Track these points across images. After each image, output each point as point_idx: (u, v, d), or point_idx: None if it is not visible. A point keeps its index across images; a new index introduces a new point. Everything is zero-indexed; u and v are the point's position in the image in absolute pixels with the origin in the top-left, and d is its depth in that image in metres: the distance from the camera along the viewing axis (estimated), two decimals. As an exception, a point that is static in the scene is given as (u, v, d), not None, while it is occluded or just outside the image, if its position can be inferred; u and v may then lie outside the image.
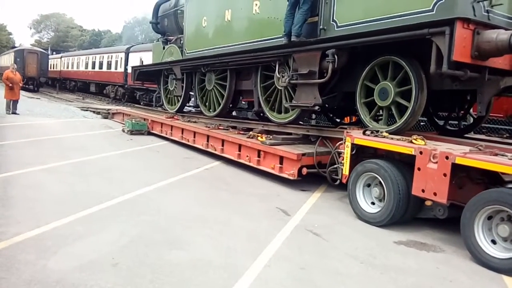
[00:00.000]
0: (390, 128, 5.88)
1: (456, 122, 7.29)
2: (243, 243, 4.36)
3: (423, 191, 4.62)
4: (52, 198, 5.43)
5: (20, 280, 3.26)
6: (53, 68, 41.80)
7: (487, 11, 4.88)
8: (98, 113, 17.87)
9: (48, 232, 4.25)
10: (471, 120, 7.38)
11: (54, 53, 47.99)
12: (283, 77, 7.44)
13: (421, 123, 9.31)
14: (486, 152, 4.43)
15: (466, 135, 6.80)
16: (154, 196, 5.94)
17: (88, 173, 6.96)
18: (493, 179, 4.48)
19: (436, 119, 7.59)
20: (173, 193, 6.21)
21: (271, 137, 7.62)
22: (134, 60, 24.73)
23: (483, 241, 4.12)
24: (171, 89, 12.00)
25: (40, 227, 4.34)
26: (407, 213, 5.08)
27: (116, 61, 28.48)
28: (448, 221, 4.81)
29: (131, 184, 6.37)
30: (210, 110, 10.23)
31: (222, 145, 8.61)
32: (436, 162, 4.49)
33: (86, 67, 34.20)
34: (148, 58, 17.20)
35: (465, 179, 4.58)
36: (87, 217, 4.81)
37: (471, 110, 7.26)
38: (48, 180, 6.32)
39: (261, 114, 9.19)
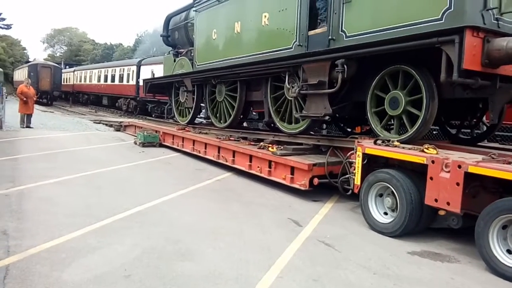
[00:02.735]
0: (401, 137, 5.84)
1: (469, 131, 7.22)
2: (255, 254, 4.35)
3: (436, 200, 4.58)
4: (66, 210, 5.48)
5: (35, 292, 3.29)
6: (66, 82, 42.50)
7: (497, 19, 4.86)
8: (111, 125, 18.08)
9: (62, 245, 4.30)
10: (484, 128, 7.31)
11: (67, 67, 48.80)
12: (293, 87, 7.47)
13: (434, 132, 9.23)
14: (499, 160, 4.38)
15: (479, 144, 6.73)
16: (166, 207, 5.97)
17: (100, 186, 7.02)
18: (507, 187, 4.41)
19: (448, 128, 7.53)
20: (184, 204, 6.24)
21: (281, 147, 7.62)
22: (146, 73, 25.02)
23: (498, 251, 4.06)
24: (182, 101, 12.10)
25: (54, 240, 4.39)
26: (421, 223, 5.03)
27: (128, 74, 28.85)
28: (463, 231, 4.76)
29: (143, 196, 6.41)
30: (221, 122, 10.29)
31: (233, 156, 8.63)
32: (449, 171, 4.45)
33: (99, 80, 34.69)
34: (159, 71, 17.41)
35: (479, 188, 4.53)
36: (100, 229, 4.85)
37: (483, 118, 7.19)
38: (62, 193, 6.39)
39: (272, 125, 9.21)
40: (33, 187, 6.64)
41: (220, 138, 9.38)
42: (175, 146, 11.50)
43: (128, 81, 28.79)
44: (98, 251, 4.20)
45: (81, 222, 4.96)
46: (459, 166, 4.35)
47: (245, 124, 12.69)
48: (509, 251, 4.06)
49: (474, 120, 7.10)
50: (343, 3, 6.26)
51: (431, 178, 4.63)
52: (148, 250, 4.28)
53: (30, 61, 44.49)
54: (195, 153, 10.25)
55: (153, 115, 23.42)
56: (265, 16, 8.01)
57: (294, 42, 7.28)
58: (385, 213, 5.34)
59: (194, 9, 10.91)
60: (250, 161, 8.04)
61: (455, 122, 7.47)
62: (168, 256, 4.16)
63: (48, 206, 5.65)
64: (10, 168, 7.97)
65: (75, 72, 42.22)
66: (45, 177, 7.27)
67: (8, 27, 63.49)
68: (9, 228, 4.66)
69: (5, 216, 5.07)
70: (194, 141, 10.39)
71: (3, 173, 7.44)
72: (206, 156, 9.72)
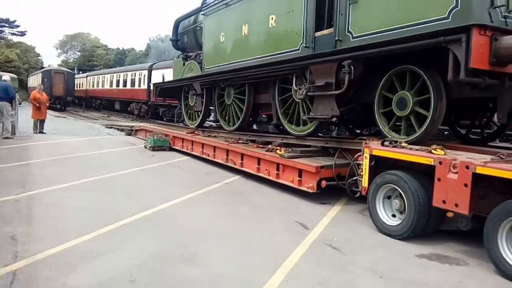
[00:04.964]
0: (409, 138, 5.77)
1: (479, 131, 7.11)
2: (260, 258, 4.33)
3: (444, 202, 4.51)
4: (74, 215, 5.53)
5: (40, 297, 3.32)
6: (79, 87, 42.99)
7: (505, 17, 4.79)
8: (122, 130, 18.23)
9: (68, 249, 4.33)
10: (495, 128, 7.19)
11: (80, 72, 49.38)
12: (300, 89, 7.43)
13: (445, 133, 9.12)
14: (508, 161, 4.30)
15: (489, 144, 6.63)
16: (174, 211, 5.99)
17: (110, 190, 7.07)
18: (517, 188, 4.34)
19: (458, 128, 7.43)
20: (193, 208, 6.24)
21: (289, 150, 7.60)
22: (157, 77, 25.19)
23: (507, 253, 3.98)
24: (191, 104, 12.15)
25: (61, 244, 4.41)
26: (429, 225, 4.96)
27: (140, 79, 29.08)
28: (472, 233, 4.67)
29: (152, 200, 6.43)
30: (230, 124, 10.30)
31: (242, 159, 8.62)
32: (457, 172, 4.39)
33: (111, 85, 35.03)
34: (170, 75, 17.49)
35: (488, 189, 4.45)
36: (107, 233, 4.87)
37: (494, 118, 7.07)
38: (71, 197, 6.45)
39: (281, 127, 9.19)
40: (43, 192, 6.71)
41: (228, 141, 9.39)
42: (184, 150, 11.54)
43: (139, 85, 29.03)
44: (105, 256, 4.22)
45: (89, 227, 4.99)
46: (467, 167, 4.28)
47: (254, 126, 12.68)
48: (519, 254, 3.98)
49: (484, 119, 7.00)
50: (349, 4, 6.24)
51: (439, 180, 4.57)
52: (154, 254, 4.29)
53: (44, 67, 45.16)
54: (204, 156, 10.28)
55: (164, 119, 23.58)
56: (272, 18, 8.01)
57: (301, 44, 7.26)
58: (393, 215, 5.28)
59: (202, 12, 10.98)
60: (258, 164, 8.02)
61: (465, 122, 7.37)
62: (174, 261, 4.16)
63: (57, 211, 5.71)
64: (22, 174, 8.07)
65: (88, 78, 42.72)
66: (55, 182, 7.35)
67: (22, 34, 64.86)
68: (17, 233, 4.71)
69: (14, 221, 5.13)
70: (203, 144, 10.41)
71: (14, 179, 7.54)
72: (215, 160, 9.73)
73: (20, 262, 3.95)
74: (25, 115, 16.96)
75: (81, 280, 3.65)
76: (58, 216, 5.46)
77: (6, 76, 15.39)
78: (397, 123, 6.29)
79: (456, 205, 4.37)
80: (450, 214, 4.66)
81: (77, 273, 3.77)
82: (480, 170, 4.18)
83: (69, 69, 44.07)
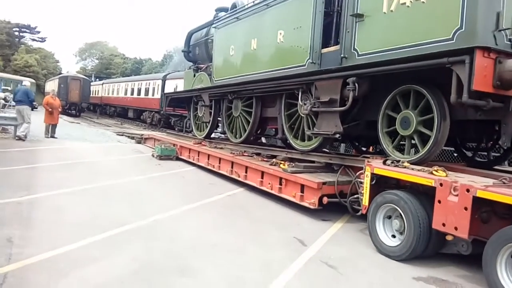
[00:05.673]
0: (412, 158, 5.71)
1: (486, 153, 7.00)
2: (253, 273, 4.29)
3: (443, 225, 4.43)
4: (73, 220, 5.55)
5: (27, 301, 3.32)
6: (95, 94, 43.55)
7: (510, 40, 4.73)
8: (132, 138, 18.35)
9: (62, 254, 4.34)
10: (502, 151, 7.07)
11: (97, 79, 50.05)
12: (305, 104, 7.42)
13: (455, 154, 8.99)
14: (510, 185, 4.22)
15: (495, 167, 6.51)
16: (172, 221, 5.98)
17: (111, 197, 7.10)
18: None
19: (464, 150, 7.32)
20: (191, 219, 6.23)
21: (293, 164, 7.56)
22: (170, 87, 25.44)
23: (506, 280, 3.88)
24: (200, 115, 12.20)
25: (56, 249, 4.43)
26: (429, 248, 4.86)
27: (153, 88, 29.37)
28: (475, 257, 4.56)
29: (152, 209, 6.44)
30: (236, 137, 10.31)
31: (246, 172, 8.61)
32: (457, 195, 4.30)
33: (125, 93, 35.41)
34: (183, 85, 17.66)
35: (490, 213, 4.35)
36: (102, 240, 4.88)
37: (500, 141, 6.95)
38: (73, 202, 6.48)
39: (287, 141, 9.17)
40: (46, 196, 6.76)
41: (234, 153, 9.39)
42: (191, 160, 11.56)
43: (153, 94, 29.30)
44: (97, 262, 4.22)
45: (86, 233, 5.00)
46: (468, 190, 4.20)
47: (263, 139, 12.67)
48: (518, 281, 3.87)
49: (490, 142, 6.89)
50: (355, 22, 6.24)
51: (439, 202, 4.49)
52: (147, 264, 4.28)
53: (62, 73, 45.90)
54: (209, 167, 10.28)
55: (175, 129, 23.69)
56: (281, 34, 8.05)
57: (308, 60, 7.27)
58: (393, 236, 5.19)
59: (214, 26, 11.09)
60: (262, 178, 8.00)
61: (471, 144, 7.26)
62: (166, 271, 4.14)
63: (57, 215, 5.74)
64: (28, 177, 8.15)
65: (104, 85, 43.27)
66: (59, 186, 7.41)
67: (43, 40, 66.07)
68: (14, 235, 4.74)
69: (13, 224, 5.16)
70: (209, 155, 10.43)
71: (19, 181, 7.62)
72: (220, 171, 9.72)
73: (12, 265, 3.97)
74: (38, 119, 17.20)
75: (70, 286, 3.65)
76: (58, 221, 5.49)
77: (27, 82, 15.74)
78: (401, 142, 6.24)
79: (456, 228, 4.28)
80: (449, 237, 4.56)
81: (68, 279, 3.78)
82: (480, 194, 4.10)
83: (86, 76, 44.72)
